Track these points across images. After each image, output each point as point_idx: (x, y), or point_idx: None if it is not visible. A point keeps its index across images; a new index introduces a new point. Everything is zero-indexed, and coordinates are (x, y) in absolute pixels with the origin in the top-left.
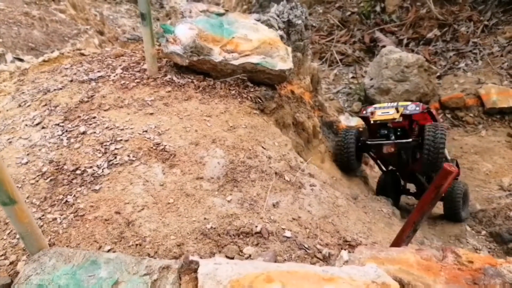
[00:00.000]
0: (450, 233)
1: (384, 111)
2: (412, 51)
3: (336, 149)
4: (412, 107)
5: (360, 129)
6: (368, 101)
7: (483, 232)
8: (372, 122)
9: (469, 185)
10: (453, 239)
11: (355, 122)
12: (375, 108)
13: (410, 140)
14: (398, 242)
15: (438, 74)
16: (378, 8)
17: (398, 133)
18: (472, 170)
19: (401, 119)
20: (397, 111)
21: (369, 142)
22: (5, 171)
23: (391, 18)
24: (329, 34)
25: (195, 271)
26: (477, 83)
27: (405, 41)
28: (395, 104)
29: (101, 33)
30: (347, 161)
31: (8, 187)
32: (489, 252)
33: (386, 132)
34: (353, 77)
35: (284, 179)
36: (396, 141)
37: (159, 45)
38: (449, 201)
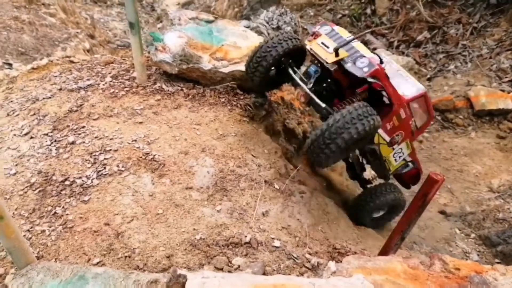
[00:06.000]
0: (439, 236)
1: (326, 42)
2: (403, 53)
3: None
4: (363, 63)
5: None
6: None
7: (472, 235)
8: (307, 47)
9: (459, 187)
10: (443, 243)
11: None
12: (327, 31)
13: (323, 106)
14: (386, 250)
15: (428, 76)
16: (368, 11)
17: (329, 83)
18: (462, 172)
19: (333, 68)
20: (336, 54)
21: (290, 72)
22: None
23: (382, 20)
24: None
25: (183, 285)
26: (467, 85)
27: (395, 44)
28: (351, 38)
29: (92, 36)
30: (252, 75)
31: None
32: (478, 255)
33: (314, 71)
34: None
35: (274, 187)
36: (310, 94)
37: (149, 53)
38: (360, 202)
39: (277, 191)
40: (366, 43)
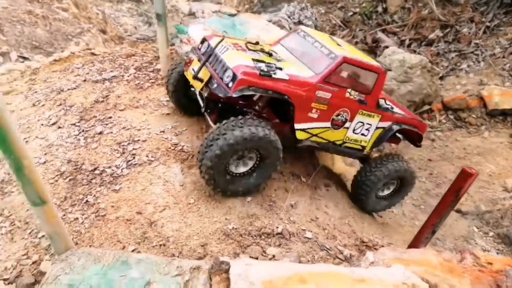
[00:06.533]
0: (458, 234)
1: (195, 68)
2: (414, 52)
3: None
4: (228, 77)
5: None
6: None
7: (491, 233)
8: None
9: (473, 186)
10: (461, 240)
11: None
12: (204, 49)
13: (213, 128)
14: (416, 243)
15: (440, 75)
16: (380, 9)
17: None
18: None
19: (206, 93)
20: (199, 80)
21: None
22: (36, 172)
23: (393, 18)
24: (331, 34)
25: (226, 271)
26: (479, 84)
27: (407, 42)
28: (203, 61)
29: (103, 31)
30: (171, 94)
31: (39, 187)
32: (497, 253)
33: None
34: None
35: (301, 180)
36: (205, 115)
37: (172, 45)
38: (358, 179)
39: (304, 184)
40: (378, 41)
